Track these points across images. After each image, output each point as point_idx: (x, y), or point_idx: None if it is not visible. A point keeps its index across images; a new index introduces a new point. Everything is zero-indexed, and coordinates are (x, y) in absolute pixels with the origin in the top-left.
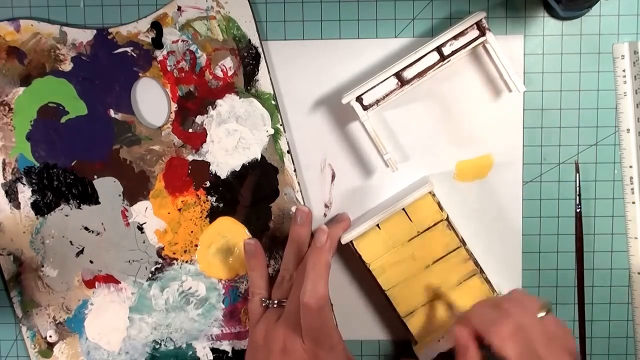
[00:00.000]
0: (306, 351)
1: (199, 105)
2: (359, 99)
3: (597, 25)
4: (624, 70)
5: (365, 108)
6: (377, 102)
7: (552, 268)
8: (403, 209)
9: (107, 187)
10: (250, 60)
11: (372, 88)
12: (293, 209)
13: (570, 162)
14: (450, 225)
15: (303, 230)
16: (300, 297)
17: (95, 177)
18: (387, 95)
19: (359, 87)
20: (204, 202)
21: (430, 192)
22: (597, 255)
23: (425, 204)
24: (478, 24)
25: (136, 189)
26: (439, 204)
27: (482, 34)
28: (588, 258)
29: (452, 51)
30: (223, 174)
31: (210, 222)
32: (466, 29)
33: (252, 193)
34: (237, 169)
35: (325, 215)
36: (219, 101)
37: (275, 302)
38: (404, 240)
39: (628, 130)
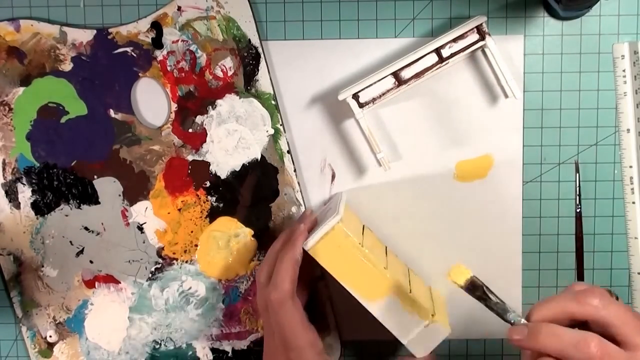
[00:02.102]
0: (277, 348)
1: (199, 105)
2: (355, 96)
3: (597, 25)
4: (624, 70)
5: (361, 106)
6: (374, 100)
7: (552, 268)
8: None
9: (107, 187)
10: (250, 60)
11: (369, 86)
12: (293, 209)
13: (570, 162)
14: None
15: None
16: (267, 292)
17: (95, 177)
18: (383, 94)
19: (356, 84)
20: (204, 202)
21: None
22: (597, 255)
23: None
24: (478, 28)
25: (136, 189)
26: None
27: (482, 38)
28: (588, 258)
29: (451, 54)
30: (223, 174)
31: (210, 222)
32: (466, 32)
33: (252, 193)
34: (237, 169)
35: None
36: (219, 101)
37: None
38: (360, 230)
39: (628, 130)
